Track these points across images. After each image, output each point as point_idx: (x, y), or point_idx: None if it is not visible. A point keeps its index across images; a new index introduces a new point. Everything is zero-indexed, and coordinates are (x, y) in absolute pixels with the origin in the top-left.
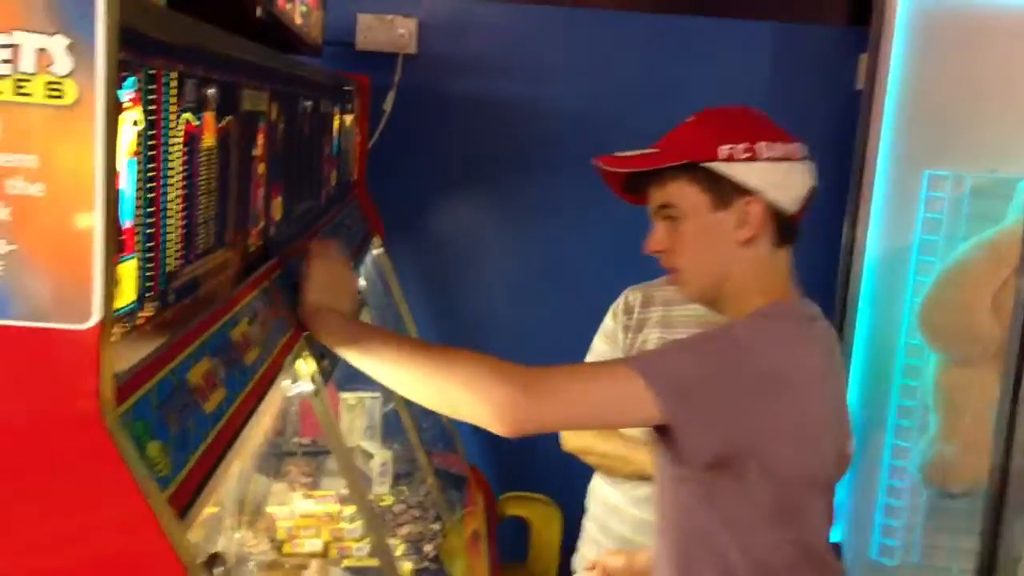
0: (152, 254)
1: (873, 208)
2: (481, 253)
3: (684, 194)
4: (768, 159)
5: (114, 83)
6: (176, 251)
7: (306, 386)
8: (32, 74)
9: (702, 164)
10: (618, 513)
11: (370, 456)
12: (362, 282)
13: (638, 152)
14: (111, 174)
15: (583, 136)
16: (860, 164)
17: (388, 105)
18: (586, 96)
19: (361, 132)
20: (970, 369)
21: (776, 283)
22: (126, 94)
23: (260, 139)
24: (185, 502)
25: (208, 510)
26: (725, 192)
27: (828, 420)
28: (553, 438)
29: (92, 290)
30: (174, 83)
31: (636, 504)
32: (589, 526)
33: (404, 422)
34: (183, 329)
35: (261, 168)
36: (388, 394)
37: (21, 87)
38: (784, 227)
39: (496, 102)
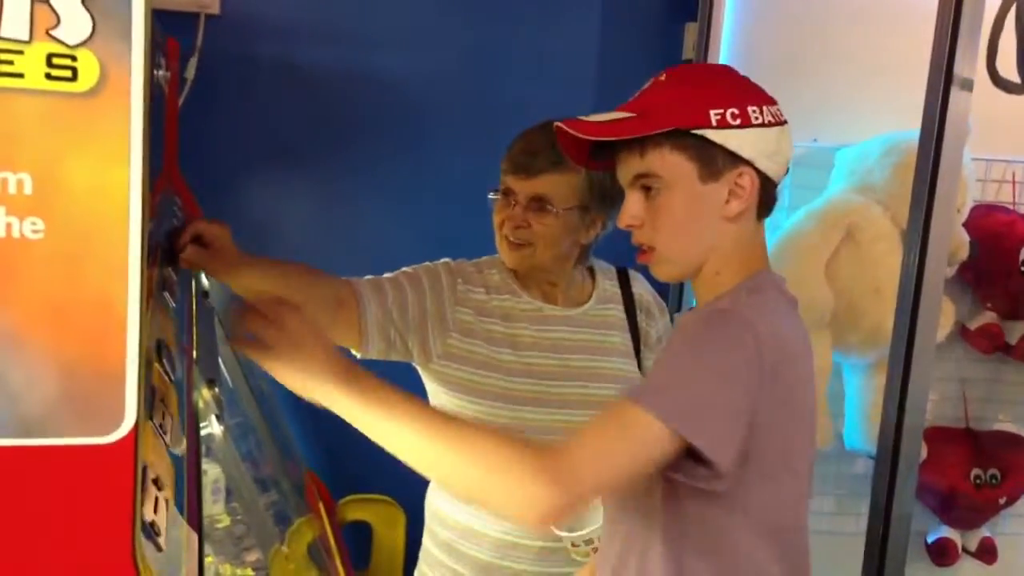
0: None
1: None
2: (303, 238)
3: (668, 164)
4: (759, 124)
5: (150, 56)
6: None
7: (215, 427)
8: (22, 42)
9: (692, 131)
10: (475, 536)
11: (202, 473)
12: None
13: (609, 117)
14: (146, 201)
15: (407, 105)
16: None
17: (191, 72)
18: (409, 62)
19: (171, 103)
20: None
21: (755, 258)
22: None
23: None
24: None
25: None
26: (716, 162)
27: (812, 388)
28: None
29: (124, 387)
30: None
31: (501, 523)
32: (434, 550)
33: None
34: None
35: None
36: None
37: (2, 64)
38: (768, 198)
39: (312, 70)
